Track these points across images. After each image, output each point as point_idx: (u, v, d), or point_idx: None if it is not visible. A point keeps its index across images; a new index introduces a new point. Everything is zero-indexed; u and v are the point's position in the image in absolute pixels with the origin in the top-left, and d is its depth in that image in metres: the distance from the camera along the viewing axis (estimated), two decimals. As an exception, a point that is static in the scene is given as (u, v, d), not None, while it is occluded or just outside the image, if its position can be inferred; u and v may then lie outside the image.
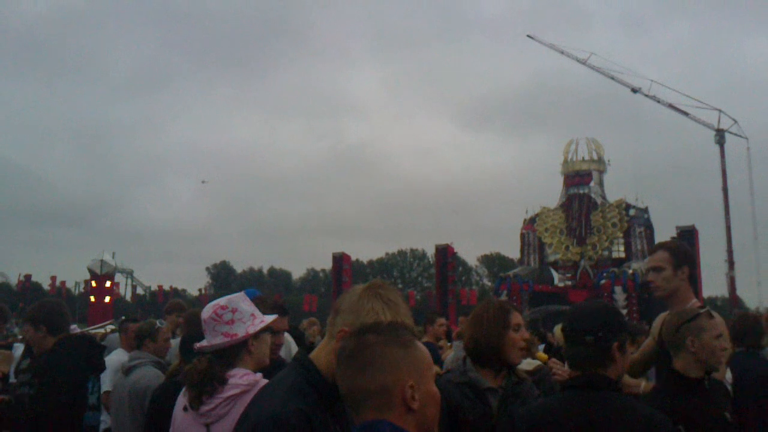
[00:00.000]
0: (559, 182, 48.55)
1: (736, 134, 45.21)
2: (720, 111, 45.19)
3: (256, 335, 2.76)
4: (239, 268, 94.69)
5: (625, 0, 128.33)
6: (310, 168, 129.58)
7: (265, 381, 2.58)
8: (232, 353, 2.72)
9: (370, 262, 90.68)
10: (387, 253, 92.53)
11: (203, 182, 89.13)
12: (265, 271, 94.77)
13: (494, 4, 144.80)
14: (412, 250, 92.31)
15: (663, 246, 3.76)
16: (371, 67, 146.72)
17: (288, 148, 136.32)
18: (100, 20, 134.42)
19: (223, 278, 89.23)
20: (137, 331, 4.91)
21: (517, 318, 3.09)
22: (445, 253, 48.27)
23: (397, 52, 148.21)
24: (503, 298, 40.55)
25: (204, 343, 2.77)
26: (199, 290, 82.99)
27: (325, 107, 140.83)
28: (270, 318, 2.86)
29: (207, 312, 2.76)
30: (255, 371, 2.72)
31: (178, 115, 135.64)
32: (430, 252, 65.49)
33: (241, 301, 2.81)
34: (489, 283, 78.01)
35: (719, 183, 45.34)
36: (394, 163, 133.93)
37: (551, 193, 49.91)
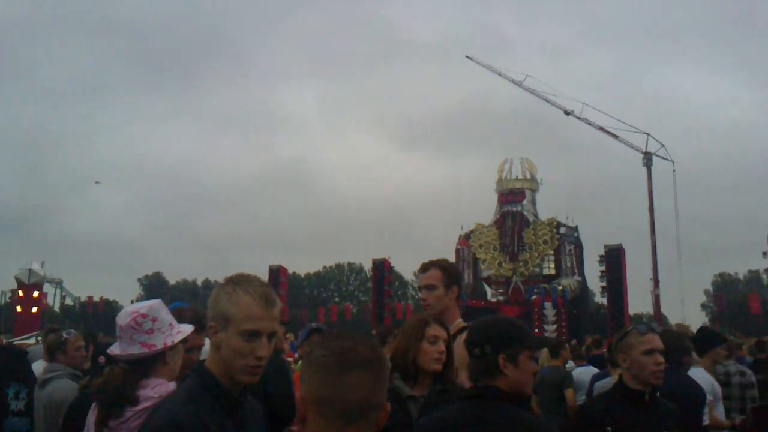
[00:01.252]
0: (493, 200, 49.59)
1: (662, 157, 46.89)
2: (648, 135, 46.85)
3: (173, 346, 2.66)
4: (172, 280, 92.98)
5: (546, 30, 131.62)
6: (245, 182, 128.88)
7: None
8: (148, 364, 2.60)
9: (307, 275, 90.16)
10: (324, 267, 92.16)
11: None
12: (199, 282, 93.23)
13: (428, 28, 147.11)
14: (349, 264, 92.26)
15: (435, 264, 3.67)
16: (306, 85, 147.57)
17: (223, 163, 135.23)
18: (34, 30, 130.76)
19: (156, 289, 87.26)
20: (46, 345, 4.78)
21: (435, 330, 3.16)
22: (381, 267, 48.50)
23: (331, 72, 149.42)
24: (438, 312, 41.00)
25: (117, 350, 2.64)
26: (131, 301, 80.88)
27: (260, 123, 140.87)
28: (187, 328, 2.77)
29: (124, 318, 2.63)
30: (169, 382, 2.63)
31: (113, 127, 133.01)
32: (368, 266, 65.62)
33: (161, 309, 2.70)
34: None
35: (646, 204, 46.88)
36: (328, 179, 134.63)
37: (486, 210, 50.79)
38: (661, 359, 3.15)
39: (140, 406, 2.51)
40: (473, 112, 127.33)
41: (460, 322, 3.61)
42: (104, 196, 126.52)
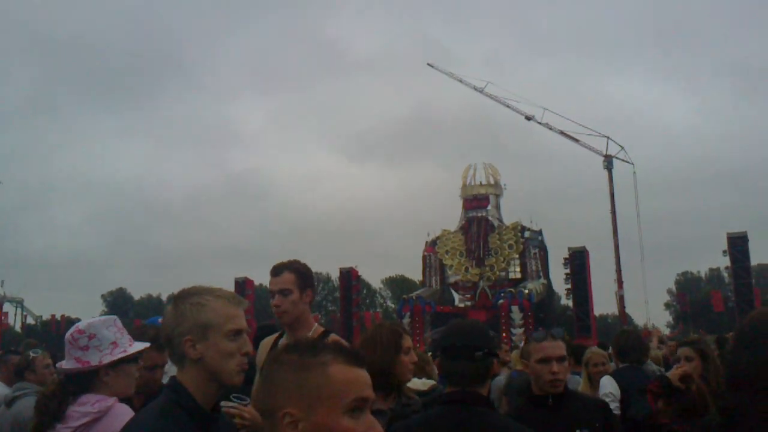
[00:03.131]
0: (458, 206, 49.90)
1: (623, 160, 47.64)
2: (608, 138, 47.61)
3: (113, 365, 2.61)
4: (137, 296, 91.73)
5: (486, 42, 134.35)
6: (199, 196, 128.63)
7: (122, 405, 2.56)
8: (84, 380, 2.58)
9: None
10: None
11: None
12: (164, 298, 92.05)
13: (371, 44, 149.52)
14: (316, 274, 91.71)
15: (288, 267, 3.44)
16: (256, 101, 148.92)
17: (176, 178, 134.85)
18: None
19: (120, 305, 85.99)
20: (15, 367, 4.79)
21: (407, 341, 3.17)
22: (349, 276, 48.39)
23: (280, 88, 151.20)
24: (406, 319, 41.11)
25: (62, 364, 2.66)
26: (94, 318, 79.42)
27: (211, 138, 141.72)
28: (135, 348, 2.72)
29: (68, 333, 2.65)
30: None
31: (64, 144, 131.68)
32: (335, 275, 65.46)
33: (104, 326, 2.66)
34: (393, 305, 78.55)
35: (608, 206, 47.51)
36: (283, 192, 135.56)
37: (452, 216, 51.08)
38: (557, 368, 3.03)
39: (77, 423, 2.49)
40: (423, 121, 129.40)
41: (317, 327, 3.48)
42: (60, 214, 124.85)
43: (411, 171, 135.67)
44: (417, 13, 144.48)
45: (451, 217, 50.97)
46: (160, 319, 4.05)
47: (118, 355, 2.63)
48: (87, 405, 2.52)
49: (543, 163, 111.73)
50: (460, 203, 49.59)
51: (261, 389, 1.50)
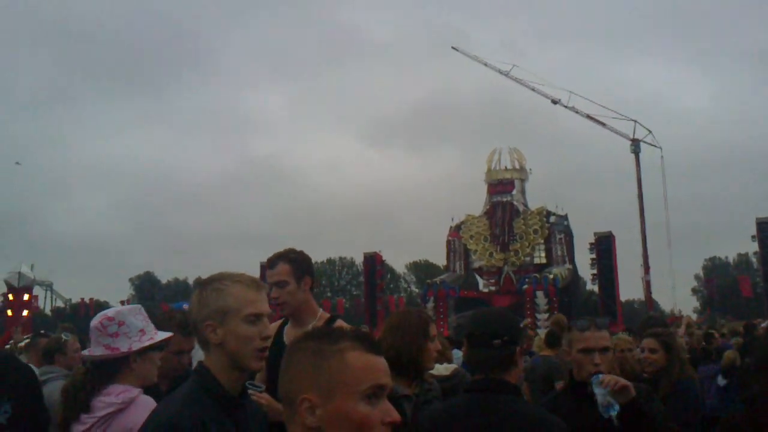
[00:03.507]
0: (483, 190, 49.68)
1: (650, 144, 47.11)
2: (635, 122, 47.03)
3: (141, 352, 2.64)
4: (164, 279, 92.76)
5: (503, 28, 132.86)
6: (221, 182, 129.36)
7: (146, 397, 2.57)
8: (112, 367, 2.61)
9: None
10: (315, 262, 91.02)
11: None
12: (190, 281, 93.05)
13: (387, 29, 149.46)
14: (340, 259, 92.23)
15: (282, 257, 3.38)
16: (275, 87, 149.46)
17: (197, 164, 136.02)
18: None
19: (147, 289, 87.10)
20: (45, 348, 4.80)
21: (434, 329, 3.19)
22: (373, 260, 48.55)
23: (298, 73, 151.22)
24: (430, 304, 41.17)
25: (86, 352, 2.69)
26: (122, 302, 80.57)
27: (230, 125, 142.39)
28: (161, 336, 2.75)
29: (95, 321, 2.66)
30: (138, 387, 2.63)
31: (85, 131, 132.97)
32: (359, 260, 65.66)
33: (131, 314, 2.70)
34: (417, 290, 78.65)
35: (635, 190, 47.11)
36: (304, 177, 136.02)
37: (476, 201, 50.89)
38: (599, 359, 2.93)
39: (102, 412, 2.52)
40: (443, 106, 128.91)
41: (323, 314, 3.46)
42: (85, 199, 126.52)
43: (433, 156, 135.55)
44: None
45: (475, 201, 50.81)
46: (185, 305, 4.05)
47: (147, 342, 2.67)
48: (112, 395, 2.55)
49: (568, 148, 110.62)
50: (484, 188, 49.36)
51: (282, 376, 1.51)
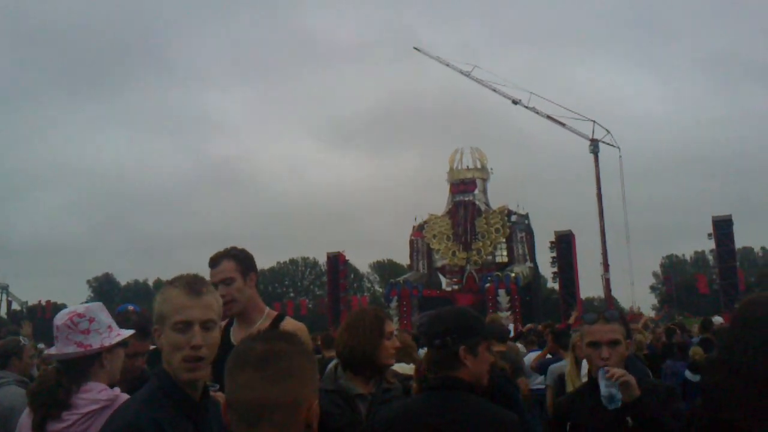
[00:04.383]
0: (445, 190, 49.91)
1: (609, 144, 47.74)
2: (594, 122, 47.63)
3: (110, 349, 2.62)
4: (123, 281, 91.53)
5: (461, 32, 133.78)
6: (181, 183, 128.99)
7: (125, 396, 2.52)
8: (84, 366, 2.57)
9: (261, 271, 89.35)
10: (278, 262, 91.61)
11: None
12: (150, 283, 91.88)
13: (346, 32, 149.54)
14: (303, 259, 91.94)
15: (226, 255, 3.31)
16: (235, 89, 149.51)
17: (157, 165, 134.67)
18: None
19: (107, 291, 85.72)
20: (1, 350, 4.62)
21: (390, 326, 3.14)
22: (336, 260, 48.54)
23: (258, 76, 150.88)
24: (394, 303, 41.27)
25: (53, 350, 2.62)
26: (81, 304, 79.38)
27: (190, 126, 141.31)
28: (127, 333, 2.72)
29: (61, 318, 2.62)
30: (109, 386, 2.59)
31: (41, 132, 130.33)
32: (322, 260, 65.51)
33: (99, 311, 2.68)
34: (380, 290, 78.79)
35: (594, 190, 47.66)
36: (265, 178, 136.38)
37: (439, 200, 51.16)
38: (606, 353, 2.83)
39: (85, 410, 2.47)
40: (403, 108, 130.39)
41: (270, 311, 3.40)
42: (41, 200, 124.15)
43: (393, 157, 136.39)
44: (392, 2, 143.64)
45: (438, 201, 51.06)
46: (129, 307, 3.96)
47: (116, 338, 2.64)
48: (93, 392, 2.52)
49: (529, 148, 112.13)
50: (446, 187, 49.62)
51: (284, 381, 1.44)
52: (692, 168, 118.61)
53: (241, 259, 3.32)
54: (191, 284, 2.04)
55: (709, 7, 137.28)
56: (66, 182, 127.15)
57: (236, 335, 3.28)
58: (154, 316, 2.05)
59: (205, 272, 2.21)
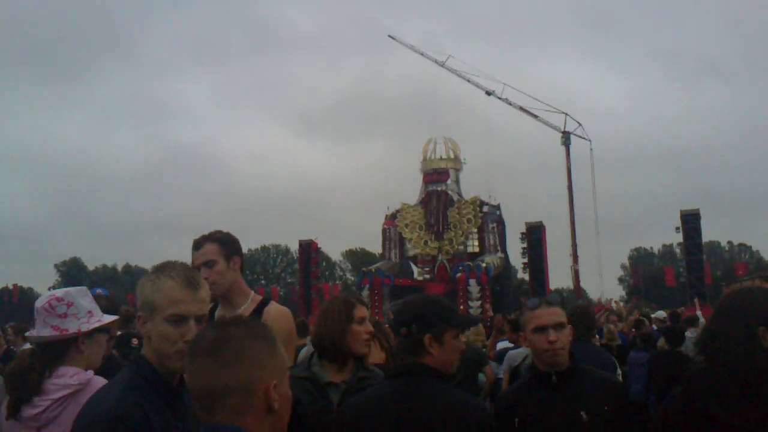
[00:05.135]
0: (418, 179, 49.98)
1: (580, 136, 48.18)
2: (566, 114, 48.07)
3: (89, 334, 2.61)
4: (91, 266, 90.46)
5: (422, 25, 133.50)
6: (145, 169, 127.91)
7: (100, 379, 2.50)
8: (60, 349, 2.56)
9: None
10: (249, 249, 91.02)
11: None
12: (119, 268, 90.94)
13: (310, 21, 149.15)
14: (275, 246, 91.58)
15: (209, 238, 3.31)
16: (199, 76, 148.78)
17: (121, 150, 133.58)
18: None
19: (75, 276, 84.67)
20: None
21: (361, 311, 3.10)
22: (308, 248, 48.40)
23: (222, 63, 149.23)
24: (366, 292, 41.28)
25: (33, 332, 2.63)
26: (48, 288, 78.50)
27: (153, 112, 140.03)
28: (109, 318, 2.71)
29: (41, 301, 2.61)
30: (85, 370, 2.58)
31: (4, 117, 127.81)
32: (294, 248, 65.27)
33: (80, 296, 2.66)
34: (352, 278, 78.85)
35: (565, 182, 48.17)
36: (230, 165, 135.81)
37: (412, 190, 51.24)
38: (554, 335, 2.79)
39: (58, 394, 2.46)
40: (372, 97, 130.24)
41: (255, 296, 3.37)
42: (4, 185, 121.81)
43: (363, 146, 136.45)
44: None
45: (410, 190, 51.11)
46: (98, 290, 3.92)
47: (95, 323, 2.62)
48: (65, 377, 2.50)
49: (503, 138, 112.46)
50: (419, 177, 49.71)
51: (233, 365, 1.46)
52: (659, 162, 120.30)
53: (225, 242, 3.30)
54: (189, 278, 2.04)
55: (657, 4, 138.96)
56: (29, 167, 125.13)
57: None
58: (141, 302, 2.02)
59: (176, 258, 2.17)
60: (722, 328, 2.31)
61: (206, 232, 3.35)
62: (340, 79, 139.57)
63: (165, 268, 2.06)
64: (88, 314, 2.63)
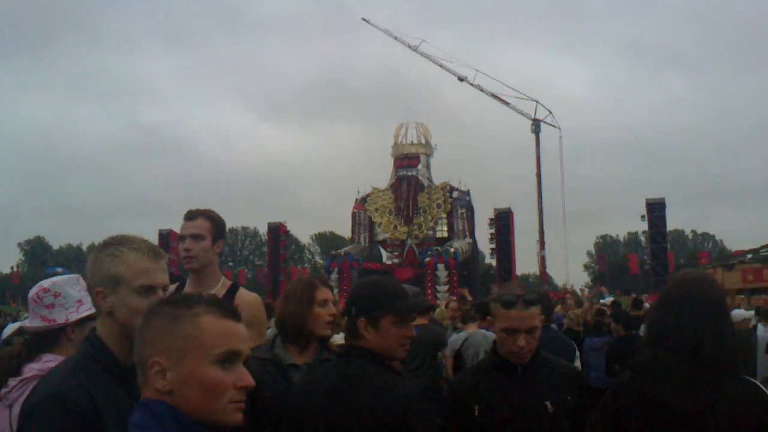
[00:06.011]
0: (388, 164, 50.00)
1: (550, 124, 48.57)
2: (537, 102, 48.41)
3: (79, 323, 2.61)
4: (56, 245, 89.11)
5: (390, 7, 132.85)
6: (110, 148, 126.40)
7: None
8: (49, 339, 2.59)
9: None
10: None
11: None
12: (84, 247, 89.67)
13: (276, 2, 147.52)
14: (243, 228, 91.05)
15: (204, 213, 3.34)
16: (163, 55, 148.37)
17: (85, 130, 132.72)
18: None
19: (39, 254, 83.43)
20: None
21: (323, 293, 3.09)
22: (277, 231, 48.20)
23: (188, 45, 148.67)
24: (334, 275, 41.32)
25: (27, 323, 2.68)
26: (11, 267, 77.15)
27: (119, 92, 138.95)
28: None
29: (32, 292, 2.64)
30: None
31: None
32: (263, 230, 64.98)
33: (69, 285, 2.65)
34: (321, 261, 78.76)
35: (534, 169, 48.61)
36: (196, 146, 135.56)
37: (382, 174, 51.27)
38: (523, 341, 2.64)
39: (24, 375, 2.48)
40: (339, 81, 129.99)
41: (226, 281, 3.41)
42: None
43: (330, 130, 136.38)
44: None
45: (381, 175, 51.10)
46: (58, 269, 3.92)
47: (84, 312, 2.61)
48: (41, 362, 2.53)
49: (474, 125, 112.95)
50: (388, 162, 49.74)
51: (136, 341, 1.51)
52: (624, 151, 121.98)
53: (217, 224, 3.35)
54: (152, 248, 2.03)
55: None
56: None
57: None
58: (100, 277, 1.98)
59: (150, 238, 2.17)
60: (673, 313, 2.38)
61: (201, 208, 3.39)
62: (308, 62, 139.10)
63: (123, 241, 2.03)
64: (77, 303, 2.63)
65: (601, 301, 14.22)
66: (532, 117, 48.25)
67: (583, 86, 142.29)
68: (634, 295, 16.57)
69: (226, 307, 1.52)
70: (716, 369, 2.26)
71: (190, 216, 3.34)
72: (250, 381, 1.49)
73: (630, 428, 2.33)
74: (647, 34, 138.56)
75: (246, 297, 3.33)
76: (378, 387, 2.39)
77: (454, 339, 6.98)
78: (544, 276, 47.45)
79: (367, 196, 48.86)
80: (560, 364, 2.94)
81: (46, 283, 2.66)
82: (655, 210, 41.07)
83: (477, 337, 6.60)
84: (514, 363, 2.71)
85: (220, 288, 3.29)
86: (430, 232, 46.87)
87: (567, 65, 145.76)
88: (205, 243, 3.27)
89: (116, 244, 2.02)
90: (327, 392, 2.42)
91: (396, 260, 47.26)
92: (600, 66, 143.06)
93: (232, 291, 3.33)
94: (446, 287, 39.20)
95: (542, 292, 7.01)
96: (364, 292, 2.55)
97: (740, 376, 2.30)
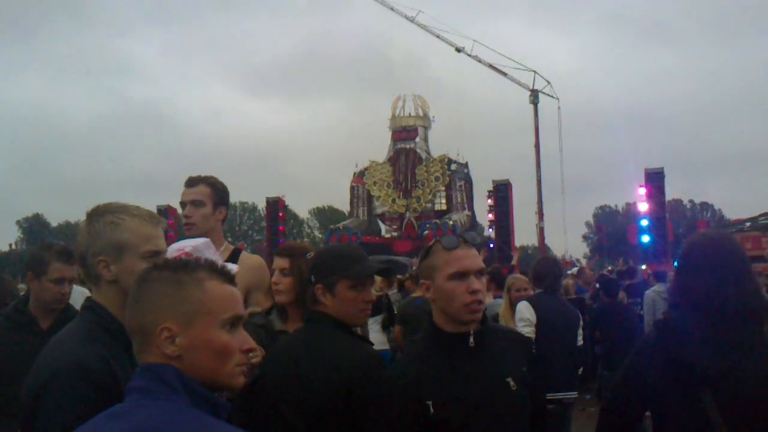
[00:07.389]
0: (382, 137, 49.81)
1: (548, 95, 48.21)
2: (535, 72, 48.02)
3: None
4: (54, 222, 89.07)
5: None
6: (100, 125, 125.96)
7: None
8: None
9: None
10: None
11: None
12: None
13: None
14: (241, 203, 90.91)
15: (204, 180, 3.31)
16: (150, 32, 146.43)
17: (75, 107, 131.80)
18: None
19: (37, 232, 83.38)
20: None
21: (275, 262, 3.08)
22: (276, 205, 48.09)
23: (174, 19, 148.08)
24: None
25: None
26: (10, 245, 77.23)
27: (106, 69, 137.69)
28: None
29: (170, 254, 2.53)
30: None
31: None
32: (261, 205, 64.89)
33: (206, 249, 2.61)
34: (320, 236, 78.81)
35: (532, 140, 48.35)
36: (188, 123, 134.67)
37: (380, 147, 51.06)
38: (478, 284, 2.19)
39: None
40: (367, 49, 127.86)
41: (228, 245, 3.41)
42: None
43: (319, 103, 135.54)
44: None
45: (379, 148, 50.95)
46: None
47: None
48: None
49: (472, 96, 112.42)
50: (383, 135, 49.55)
51: (133, 307, 1.50)
52: (621, 122, 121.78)
53: (218, 189, 3.35)
54: (152, 214, 2.04)
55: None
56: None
57: None
58: (102, 245, 1.95)
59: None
60: (697, 275, 2.36)
61: (203, 174, 3.38)
62: (298, 35, 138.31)
63: (120, 210, 2.01)
64: None
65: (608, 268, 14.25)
66: (531, 87, 47.90)
67: (574, 57, 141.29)
68: (628, 264, 16.63)
69: (225, 272, 1.53)
70: (742, 328, 2.24)
71: (191, 183, 3.34)
72: (252, 344, 1.52)
73: (655, 389, 2.32)
74: (633, 4, 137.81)
75: (249, 260, 3.34)
76: (330, 354, 2.39)
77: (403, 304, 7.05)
78: (542, 247, 47.46)
79: (366, 169, 48.72)
80: (509, 330, 2.72)
81: (187, 247, 2.61)
82: (654, 180, 40.99)
83: None
84: (467, 323, 2.23)
85: (222, 252, 3.27)
86: (429, 205, 46.81)
87: (560, 36, 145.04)
88: (205, 209, 3.28)
89: (113, 212, 2.00)
90: (287, 360, 2.45)
91: (395, 233, 47.24)
92: (575, 36, 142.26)
93: (233, 255, 3.32)
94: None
95: (552, 256, 6.94)
96: (322, 259, 2.58)
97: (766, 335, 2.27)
